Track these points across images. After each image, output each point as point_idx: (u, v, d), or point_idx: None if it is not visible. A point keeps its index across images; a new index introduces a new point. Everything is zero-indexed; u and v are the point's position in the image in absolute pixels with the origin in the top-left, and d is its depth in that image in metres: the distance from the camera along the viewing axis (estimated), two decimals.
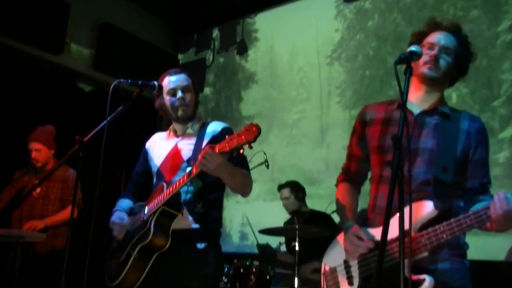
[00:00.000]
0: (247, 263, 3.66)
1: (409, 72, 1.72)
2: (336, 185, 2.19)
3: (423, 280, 1.62)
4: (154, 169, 2.41)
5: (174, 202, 2.14)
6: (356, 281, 1.85)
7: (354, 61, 5.19)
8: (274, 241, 4.41)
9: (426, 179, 1.79)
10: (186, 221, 2.19)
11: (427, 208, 1.69)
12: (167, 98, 2.36)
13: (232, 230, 5.72)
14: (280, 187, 4.39)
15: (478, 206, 1.68)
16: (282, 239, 4.39)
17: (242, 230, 5.64)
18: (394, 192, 1.48)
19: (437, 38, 1.92)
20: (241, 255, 4.77)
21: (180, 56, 6.88)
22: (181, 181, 2.08)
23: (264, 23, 6.15)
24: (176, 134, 2.44)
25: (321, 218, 4.21)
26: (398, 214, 1.57)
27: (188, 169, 2.12)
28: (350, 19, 5.32)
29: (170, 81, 2.36)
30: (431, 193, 1.75)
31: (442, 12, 4.59)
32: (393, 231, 1.59)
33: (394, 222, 1.56)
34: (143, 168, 2.53)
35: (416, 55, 1.77)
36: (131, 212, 2.40)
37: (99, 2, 5.89)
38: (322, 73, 5.42)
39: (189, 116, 2.39)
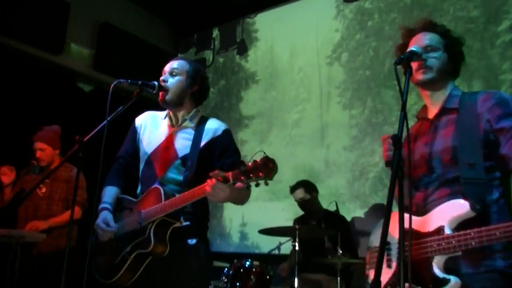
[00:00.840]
0: (247, 263, 3.66)
1: (409, 72, 1.73)
2: None
3: (448, 281, 1.63)
4: (143, 155, 2.33)
5: (174, 212, 2.10)
6: (393, 264, 1.83)
7: (354, 61, 5.19)
8: (274, 241, 4.41)
9: (444, 179, 1.78)
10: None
11: (462, 208, 1.66)
12: None
13: (232, 230, 5.72)
14: (293, 189, 4.31)
15: None
16: (282, 239, 4.38)
17: (242, 230, 5.64)
18: (393, 191, 1.49)
19: (417, 42, 1.94)
20: (241, 255, 4.78)
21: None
22: (186, 199, 2.02)
23: (264, 23, 6.15)
24: (171, 122, 2.35)
25: (336, 219, 4.20)
26: (438, 208, 1.71)
27: (182, 171, 2.12)
28: (350, 19, 5.32)
29: (167, 65, 2.36)
30: (450, 193, 1.74)
31: (443, 11, 4.60)
32: (433, 225, 1.69)
33: (435, 215, 1.71)
34: (133, 148, 2.41)
35: (416, 55, 1.79)
36: (118, 205, 2.33)
37: (99, 2, 5.89)
38: (322, 73, 5.42)
39: (169, 101, 2.27)
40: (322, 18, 5.52)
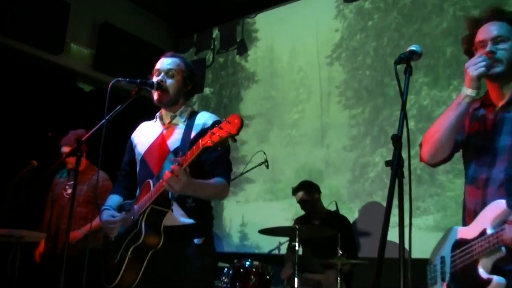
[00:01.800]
0: (247, 263, 3.65)
1: (409, 72, 1.71)
2: None
3: (490, 281, 1.60)
4: (138, 157, 2.35)
5: (162, 199, 2.08)
6: (447, 276, 1.81)
7: (354, 61, 5.19)
8: (274, 241, 4.40)
9: (503, 178, 1.72)
10: (180, 217, 2.17)
11: (499, 207, 1.63)
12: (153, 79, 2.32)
13: (232, 230, 5.71)
14: (295, 191, 4.28)
15: None
16: (282, 239, 4.38)
17: (242, 230, 5.63)
18: (393, 191, 1.48)
19: (485, 33, 1.84)
20: (241, 255, 4.78)
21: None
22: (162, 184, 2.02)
23: (264, 23, 6.14)
24: (162, 122, 2.37)
25: (338, 220, 4.19)
26: (482, 211, 1.67)
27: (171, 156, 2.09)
28: (350, 19, 5.32)
29: (159, 62, 2.35)
30: (506, 193, 1.69)
31: (443, 11, 4.59)
32: (478, 229, 1.66)
33: (479, 219, 1.68)
34: (130, 157, 2.45)
35: (416, 55, 1.76)
36: (120, 211, 2.34)
37: (99, 2, 5.89)
38: (322, 73, 5.42)
39: (166, 102, 2.29)
40: (322, 18, 5.52)
